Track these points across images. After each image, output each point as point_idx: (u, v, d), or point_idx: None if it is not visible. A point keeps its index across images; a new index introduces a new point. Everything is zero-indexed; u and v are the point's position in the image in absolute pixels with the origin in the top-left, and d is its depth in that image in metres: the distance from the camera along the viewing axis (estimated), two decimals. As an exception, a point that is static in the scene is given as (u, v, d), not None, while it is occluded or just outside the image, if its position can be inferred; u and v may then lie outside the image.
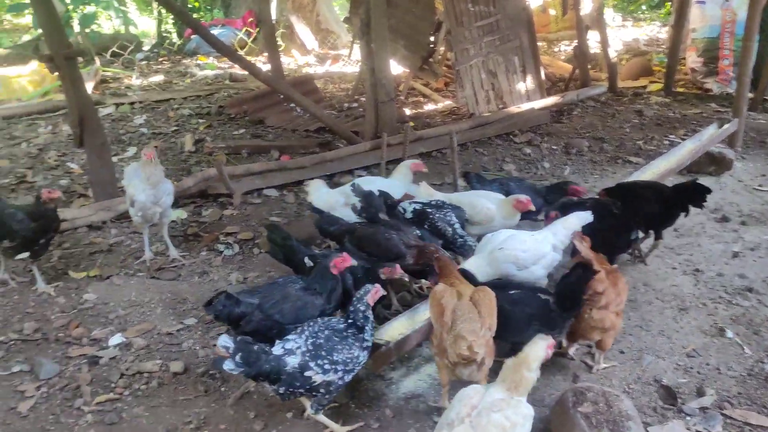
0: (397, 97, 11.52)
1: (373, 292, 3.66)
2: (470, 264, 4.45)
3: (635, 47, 15.53)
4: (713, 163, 7.17)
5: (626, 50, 15.19)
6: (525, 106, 10.10)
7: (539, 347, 3.06)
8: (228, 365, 3.19)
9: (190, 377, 4.00)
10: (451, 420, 2.88)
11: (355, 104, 11.26)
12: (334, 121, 9.06)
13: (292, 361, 3.33)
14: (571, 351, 4.20)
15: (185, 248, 5.78)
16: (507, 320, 3.74)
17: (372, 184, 5.73)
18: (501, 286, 3.98)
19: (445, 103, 11.13)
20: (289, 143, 8.94)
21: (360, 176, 7.21)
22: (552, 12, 16.35)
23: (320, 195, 5.63)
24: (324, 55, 16.69)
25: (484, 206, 5.14)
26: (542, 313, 3.80)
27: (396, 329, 4.03)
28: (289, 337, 3.47)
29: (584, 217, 4.58)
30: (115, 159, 8.24)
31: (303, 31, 17.16)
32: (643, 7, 21.45)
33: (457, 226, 5.01)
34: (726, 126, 7.45)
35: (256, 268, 5.43)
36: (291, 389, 3.35)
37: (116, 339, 4.35)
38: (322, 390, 3.40)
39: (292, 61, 15.79)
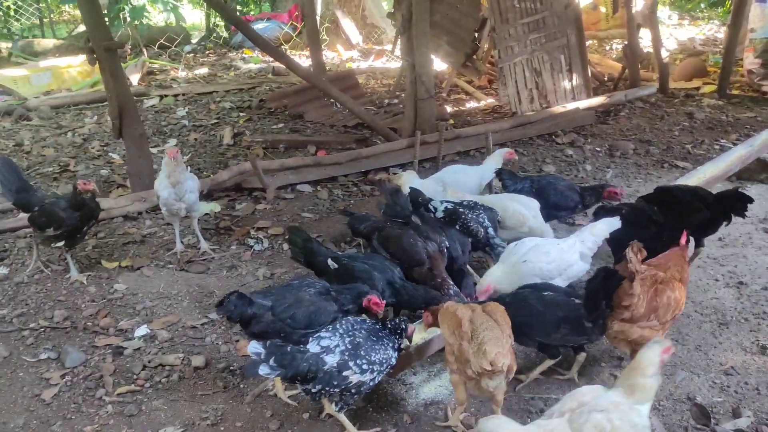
0: (439, 94, 11.42)
1: (412, 328, 3.63)
2: (493, 272, 4.37)
3: (690, 47, 15.00)
4: (765, 170, 6.83)
5: (681, 50, 14.70)
6: (569, 106, 9.84)
7: (653, 351, 2.90)
8: (263, 370, 3.12)
9: (211, 372, 4.00)
10: (552, 412, 2.89)
11: (395, 101, 11.17)
12: (372, 118, 8.99)
13: (331, 360, 3.28)
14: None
15: (216, 241, 5.82)
16: (537, 321, 3.70)
17: (463, 172, 5.97)
18: (535, 287, 3.93)
19: (488, 101, 10.94)
20: (326, 139, 8.93)
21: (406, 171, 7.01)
22: (602, 9, 15.91)
23: (416, 185, 5.59)
24: (368, 50, 16.64)
25: (516, 210, 5.02)
26: (573, 318, 3.70)
27: (418, 333, 3.96)
28: (323, 334, 3.41)
29: (613, 223, 4.42)
30: (154, 150, 8.39)
31: (348, 25, 17.15)
32: (702, 5, 20.69)
33: (489, 227, 4.91)
34: (780, 131, 7.10)
35: (285, 264, 5.41)
36: (326, 389, 3.29)
37: (142, 330, 4.40)
38: (353, 390, 3.35)
39: (336, 56, 15.80)
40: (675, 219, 4.70)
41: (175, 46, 15.49)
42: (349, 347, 3.32)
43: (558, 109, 9.73)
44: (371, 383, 3.38)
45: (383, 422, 3.60)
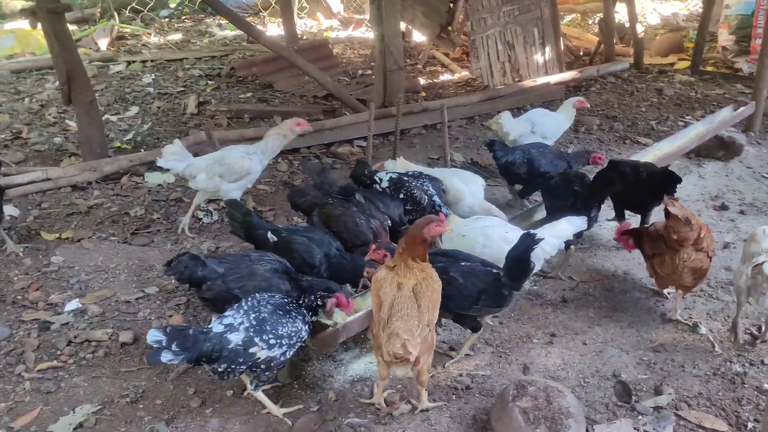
0: (414, 65, 11.27)
1: (332, 302, 3.55)
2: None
3: (673, 22, 14.82)
4: (723, 147, 6.80)
5: (663, 25, 14.51)
6: (540, 80, 9.73)
7: None
8: (166, 356, 3.10)
9: (139, 348, 3.96)
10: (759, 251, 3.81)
11: (369, 71, 11.01)
12: (339, 89, 8.86)
13: (235, 338, 3.26)
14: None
15: (165, 213, 5.73)
16: (458, 293, 3.64)
17: (548, 115, 6.48)
18: (453, 256, 3.86)
19: (462, 74, 10.81)
20: (293, 109, 8.80)
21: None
22: (581, -18, 15.63)
23: (511, 124, 6.21)
24: (349, 18, 16.36)
25: (453, 186, 5.03)
26: (492, 288, 3.67)
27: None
28: (227, 313, 3.40)
29: (577, 223, 4.19)
30: (114, 118, 8.29)
31: (329, -7, 16.84)
32: (690, -20, 20.37)
33: (434, 196, 4.89)
34: (741, 109, 7.06)
35: (232, 238, 5.32)
36: (232, 367, 3.27)
37: (72, 305, 4.33)
38: (263, 366, 3.33)
39: (315, 24, 15.52)
40: (596, 190, 4.78)
41: (150, 11, 15.15)
42: (254, 323, 3.29)
43: (528, 83, 9.62)
44: (282, 358, 3.36)
45: (307, 399, 3.59)
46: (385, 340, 3.15)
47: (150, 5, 15.10)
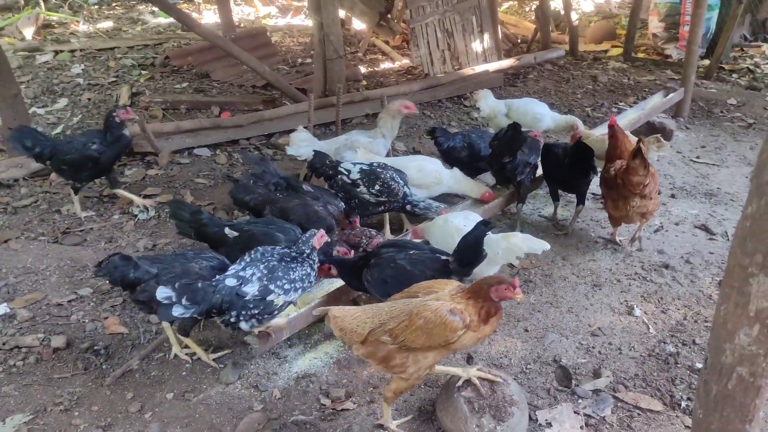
0: (354, 54, 11.19)
1: (319, 236, 3.64)
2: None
3: (606, 9, 15.19)
4: (654, 132, 6.99)
5: (596, 12, 14.86)
6: (479, 68, 9.81)
7: None
8: (177, 311, 3.15)
9: (72, 353, 3.81)
10: None
11: (309, 60, 10.86)
12: (277, 78, 8.71)
13: (251, 290, 3.35)
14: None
15: (98, 211, 5.52)
16: (407, 280, 3.55)
17: (535, 104, 6.53)
18: (401, 245, 3.86)
19: (403, 62, 10.79)
20: (232, 99, 8.61)
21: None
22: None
23: (488, 102, 6.38)
24: (287, 5, 16.08)
25: (432, 170, 5.14)
26: (440, 275, 3.61)
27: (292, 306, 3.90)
28: (233, 266, 3.49)
29: (531, 245, 3.95)
30: (42, 111, 7.93)
31: (266, -21, 16.51)
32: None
33: (405, 187, 4.88)
34: (671, 95, 7.30)
35: (170, 234, 5.19)
36: (242, 313, 3.35)
37: (0, 310, 4.13)
38: (275, 311, 3.44)
39: (253, 12, 15.21)
40: (507, 146, 5.03)
41: (76, -3, 14.52)
42: (265, 272, 3.41)
43: (467, 71, 9.68)
44: (290, 301, 3.51)
45: (251, 399, 3.53)
46: None
47: (78, -9, 14.47)
